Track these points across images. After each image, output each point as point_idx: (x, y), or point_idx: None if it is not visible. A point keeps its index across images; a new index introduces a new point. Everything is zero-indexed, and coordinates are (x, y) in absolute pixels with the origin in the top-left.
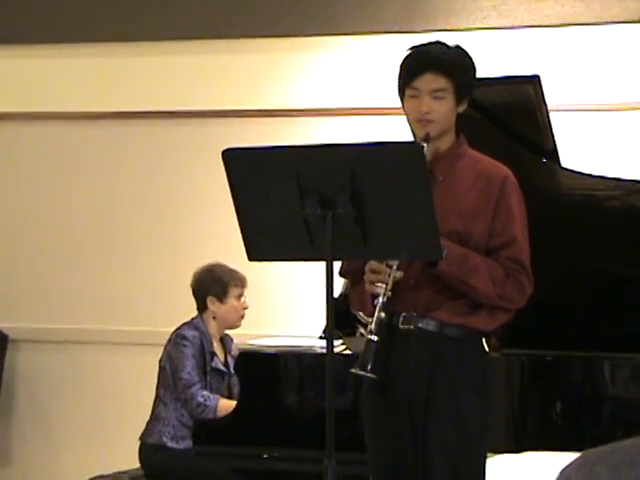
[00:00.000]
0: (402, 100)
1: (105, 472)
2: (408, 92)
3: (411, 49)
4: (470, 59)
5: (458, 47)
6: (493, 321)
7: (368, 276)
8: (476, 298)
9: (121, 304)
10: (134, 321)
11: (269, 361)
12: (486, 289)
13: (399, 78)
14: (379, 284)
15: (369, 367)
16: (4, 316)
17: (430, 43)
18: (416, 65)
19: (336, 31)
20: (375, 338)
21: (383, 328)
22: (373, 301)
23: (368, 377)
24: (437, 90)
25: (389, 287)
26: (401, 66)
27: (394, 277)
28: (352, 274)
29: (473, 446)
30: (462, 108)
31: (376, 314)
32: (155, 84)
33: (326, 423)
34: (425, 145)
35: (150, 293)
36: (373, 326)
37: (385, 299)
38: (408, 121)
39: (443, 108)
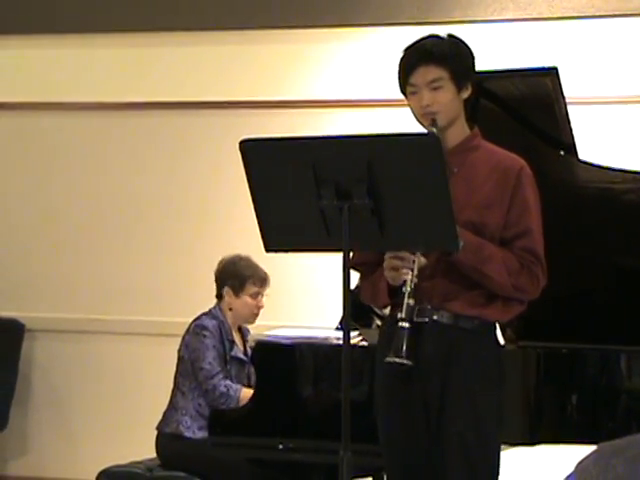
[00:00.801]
0: (407, 99)
1: (121, 462)
2: (408, 89)
3: (405, 49)
4: (464, 44)
5: (451, 36)
6: (507, 312)
7: (391, 262)
8: (491, 288)
9: (138, 294)
10: (151, 311)
11: (285, 352)
12: (501, 279)
13: (398, 79)
14: (405, 270)
15: (404, 353)
16: (21, 306)
17: (423, 38)
18: (409, 62)
19: (354, 22)
20: (406, 325)
21: (413, 314)
22: (390, 293)
23: (404, 364)
24: (433, 81)
25: (415, 272)
26: (398, 66)
27: (419, 263)
28: (364, 266)
29: (489, 438)
30: (466, 94)
31: (405, 301)
32: (173, 75)
33: (342, 414)
34: (435, 130)
35: (167, 283)
36: (403, 313)
37: (412, 285)
38: (416, 119)
39: (443, 97)
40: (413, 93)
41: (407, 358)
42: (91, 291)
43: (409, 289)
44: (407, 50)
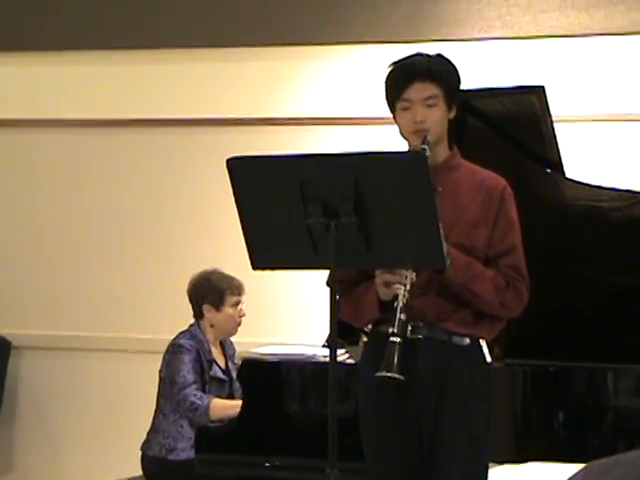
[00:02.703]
0: (393, 114)
1: (107, 479)
2: (399, 105)
3: (393, 64)
4: (453, 65)
5: (439, 55)
6: (493, 330)
7: (383, 277)
8: (479, 306)
9: (125, 312)
10: (138, 329)
11: (272, 369)
12: (489, 297)
13: (387, 94)
14: (397, 285)
15: (395, 369)
16: (7, 323)
17: (411, 55)
18: (404, 77)
19: (342, 40)
20: (397, 340)
21: (405, 329)
22: (381, 308)
23: (396, 379)
24: (429, 98)
25: (407, 287)
26: (387, 82)
27: (411, 278)
28: (342, 284)
29: (481, 456)
30: (452, 114)
31: (397, 315)
32: (161, 92)
33: (328, 432)
34: (426, 147)
35: (154, 301)
36: (395, 328)
37: (405, 300)
38: (402, 135)
39: (436, 115)
40: (405, 109)
41: (399, 373)
42: (77, 308)
43: (401, 304)
44: (398, 65)
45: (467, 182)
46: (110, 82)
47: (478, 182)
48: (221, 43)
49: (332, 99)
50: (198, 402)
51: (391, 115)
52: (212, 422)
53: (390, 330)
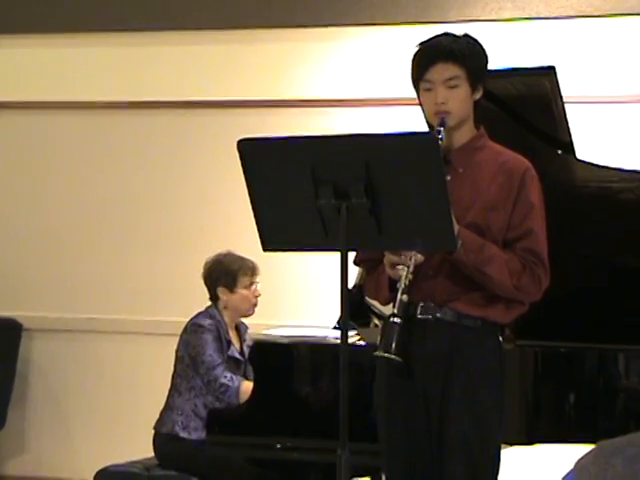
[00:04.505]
0: (418, 95)
1: (119, 461)
2: (422, 85)
3: (420, 44)
4: (480, 45)
5: (467, 35)
6: (509, 314)
7: (389, 258)
8: (492, 289)
9: (136, 293)
10: (149, 311)
11: (283, 351)
12: (502, 279)
13: (412, 74)
14: (400, 266)
15: (393, 349)
16: (18, 305)
17: (438, 35)
18: (426, 58)
19: (352, 21)
20: (398, 320)
21: (405, 311)
22: (390, 287)
23: (393, 359)
24: (450, 79)
25: (411, 269)
26: (412, 62)
27: (416, 260)
28: (367, 262)
29: (490, 438)
30: (478, 95)
31: (398, 296)
32: (170, 74)
33: (339, 413)
34: (442, 129)
35: (165, 283)
36: (396, 309)
37: (407, 281)
38: (425, 116)
39: (458, 96)
40: (427, 89)
41: (397, 355)
42: (89, 290)
43: (403, 285)
44: (423, 46)
45: (489, 163)
46: (120, 64)
47: (500, 164)
48: (231, 25)
49: (342, 81)
50: (229, 383)
51: (401, 96)
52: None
53: (391, 311)
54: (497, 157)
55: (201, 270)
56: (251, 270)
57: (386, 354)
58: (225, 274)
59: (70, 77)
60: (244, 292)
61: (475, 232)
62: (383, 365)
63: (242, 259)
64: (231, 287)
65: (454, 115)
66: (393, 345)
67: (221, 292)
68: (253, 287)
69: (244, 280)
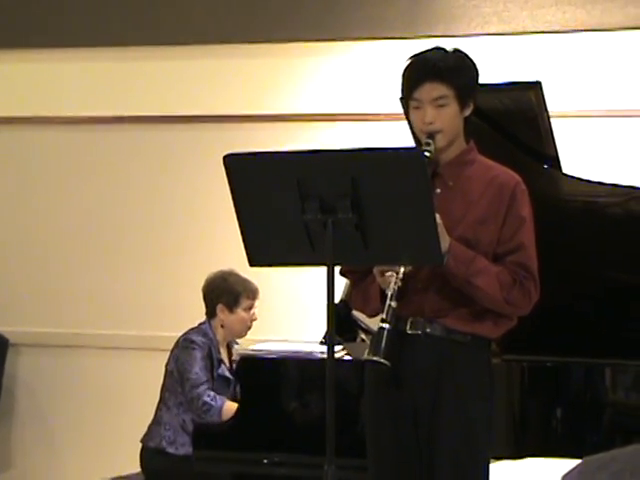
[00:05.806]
0: (406, 111)
1: (106, 476)
2: (411, 104)
3: (411, 58)
4: (470, 60)
5: (456, 50)
6: (498, 329)
7: (378, 266)
8: (482, 302)
9: (122, 308)
10: (136, 326)
11: (269, 366)
12: (493, 292)
13: (402, 89)
14: (389, 273)
15: (381, 353)
16: (5, 320)
17: (428, 50)
18: (414, 76)
19: (339, 36)
20: (387, 326)
21: (394, 317)
22: (382, 299)
23: (381, 363)
24: (438, 98)
25: (400, 276)
26: (402, 77)
27: (405, 266)
28: (353, 273)
29: (479, 453)
30: (468, 111)
31: (387, 302)
32: (159, 89)
33: (326, 428)
34: (431, 141)
35: (153, 298)
36: (384, 314)
37: (396, 287)
38: (413, 133)
39: (447, 115)
40: (416, 108)
41: (385, 359)
42: (75, 305)
43: (392, 291)
44: (412, 62)
45: (480, 178)
46: (105, 79)
47: (491, 178)
48: (216, 40)
49: (329, 96)
50: (212, 402)
51: (388, 111)
52: None
53: (380, 317)
54: (487, 171)
55: (189, 284)
56: (253, 293)
57: (375, 357)
58: (228, 293)
59: (55, 92)
60: (243, 314)
61: (465, 246)
62: (372, 375)
63: (246, 281)
64: (231, 307)
65: (444, 134)
66: (382, 348)
67: (220, 310)
68: (252, 311)
69: (245, 302)
